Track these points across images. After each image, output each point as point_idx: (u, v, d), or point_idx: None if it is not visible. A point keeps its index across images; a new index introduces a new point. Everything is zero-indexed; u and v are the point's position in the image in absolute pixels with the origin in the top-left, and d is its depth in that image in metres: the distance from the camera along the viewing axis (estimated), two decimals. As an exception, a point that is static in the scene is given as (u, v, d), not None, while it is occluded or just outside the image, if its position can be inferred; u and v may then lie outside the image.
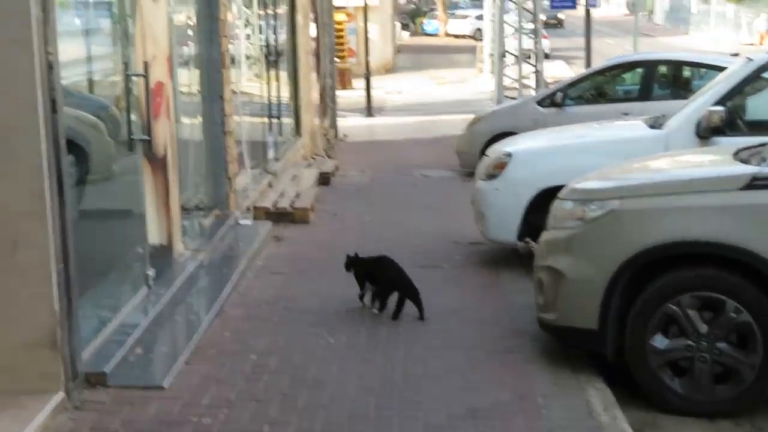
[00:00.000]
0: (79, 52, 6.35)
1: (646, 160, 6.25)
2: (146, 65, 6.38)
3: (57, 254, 4.74)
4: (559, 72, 32.72)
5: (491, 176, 8.07)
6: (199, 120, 8.90)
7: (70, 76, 6.37)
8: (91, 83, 6.93)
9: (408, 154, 17.11)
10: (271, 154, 12.30)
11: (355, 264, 6.86)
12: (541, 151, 8.22)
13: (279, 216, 9.96)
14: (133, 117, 6.39)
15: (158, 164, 6.93)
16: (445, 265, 8.32)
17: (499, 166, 8.02)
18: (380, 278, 6.67)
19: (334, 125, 19.67)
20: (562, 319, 5.54)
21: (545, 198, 7.61)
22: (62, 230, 4.79)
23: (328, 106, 19.04)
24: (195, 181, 8.54)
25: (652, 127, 7.90)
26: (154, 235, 6.80)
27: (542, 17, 21.40)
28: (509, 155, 8.04)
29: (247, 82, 11.98)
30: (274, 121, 12.85)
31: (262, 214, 9.88)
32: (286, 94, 14.40)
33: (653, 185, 5.54)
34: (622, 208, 5.32)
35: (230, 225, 8.83)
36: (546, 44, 31.18)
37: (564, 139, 8.50)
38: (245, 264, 7.83)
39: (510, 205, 7.87)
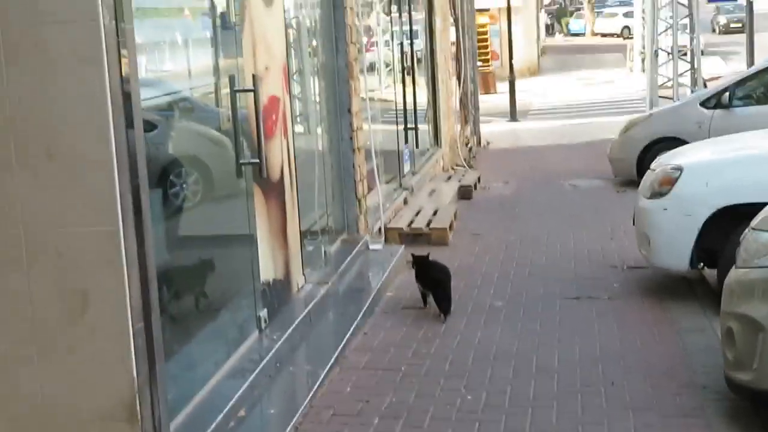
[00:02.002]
0: (185, 65, 5.64)
1: None
2: (255, 79, 5.56)
3: (135, 309, 3.94)
4: (716, 69, 30.83)
5: (658, 194, 6.91)
6: (324, 136, 8.08)
7: (182, 90, 5.68)
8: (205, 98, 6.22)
9: (555, 162, 15.94)
10: (407, 167, 11.41)
11: (416, 264, 6.93)
12: (718, 164, 7.01)
13: (414, 237, 9.05)
14: (241, 138, 5.60)
15: (273, 189, 6.12)
16: (601, 295, 7.22)
17: (668, 182, 6.85)
18: (426, 279, 6.83)
19: (476, 132, 18.67)
20: (761, 381, 4.38)
21: (723, 218, 6.52)
22: (142, 280, 3.99)
23: (469, 113, 18.05)
24: (320, 204, 7.73)
25: None
26: (269, 269, 5.98)
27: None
28: (680, 169, 6.86)
29: (382, 90, 11.15)
30: (411, 130, 11.93)
31: (395, 235, 9.01)
32: (423, 101, 13.50)
33: None
34: None
35: (359, 251, 7.97)
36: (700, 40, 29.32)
37: (745, 148, 7.24)
38: (373, 297, 6.95)
39: (681, 227, 6.71)
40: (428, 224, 9.45)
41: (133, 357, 3.94)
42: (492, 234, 9.82)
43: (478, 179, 13.33)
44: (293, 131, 6.69)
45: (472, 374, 5.49)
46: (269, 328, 5.77)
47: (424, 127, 13.52)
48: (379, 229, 8.81)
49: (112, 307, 3.90)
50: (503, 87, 26.31)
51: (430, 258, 6.96)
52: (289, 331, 5.82)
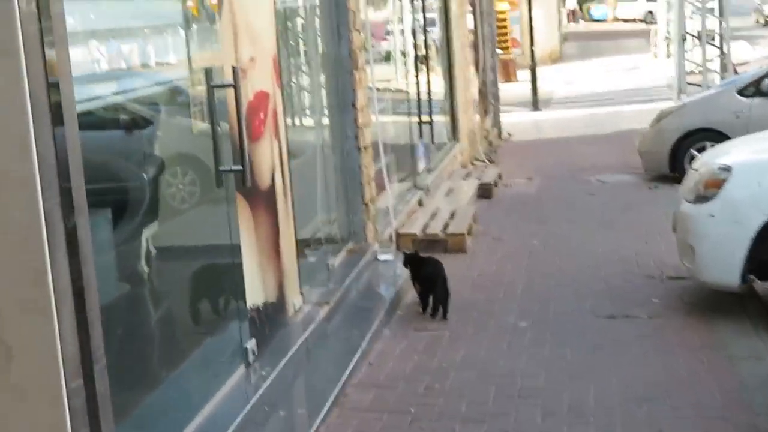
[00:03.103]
0: (151, 57, 4.83)
1: None
2: (235, 72, 4.75)
3: (70, 363, 3.15)
4: (743, 54, 29.76)
5: (703, 198, 6.06)
6: (326, 134, 7.28)
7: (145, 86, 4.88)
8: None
9: (581, 154, 15.05)
10: (422, 164, 10.58)
11: (409, 262, 6.66)
12: (772, 163, 6.16)
13: (429, 244, 8.21)
14: (221, 141, 4.80)
15: (262, 198, 5.32)
16: (639, 313, 6.38)
17: (714, 184, 6.00)
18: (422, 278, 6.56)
19: (496, 124, 17.79)
20: None
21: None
22: (80, 325, 3.20)
23: (489, 103, 17.18)
24: (322, 211, 6.93)
25: None
26: (257, 291, 5.18)
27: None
28: (728, 169, 6.01)
29: (397, 80, 10.33)
30: (426, 124, 11.09)
31: (408, 242, 8.18)
32: (439, 92, 12.66)
33: None
34: None
35: (367, 262, 7.16)
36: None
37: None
38: (381, 319, 6.15)
39: (731, 237, 5.88)
40: (444, 228, 8.62)
41: (68, 422, 3.16)
42: (515, 238, 9.00)
43: (499, 176, 12.48)
44: (287, 131, 5.89)
45: (493, 418, 4.67)
46: (258, 361, 4.97)
47: (441, 120, 12.69)
48: (390, 236, 8.01)
49: (39, 362, 3.12)
50: (524, 75, 25.41)
51: (422, 254, 6.74)
52: (282, 364, 5.01)
